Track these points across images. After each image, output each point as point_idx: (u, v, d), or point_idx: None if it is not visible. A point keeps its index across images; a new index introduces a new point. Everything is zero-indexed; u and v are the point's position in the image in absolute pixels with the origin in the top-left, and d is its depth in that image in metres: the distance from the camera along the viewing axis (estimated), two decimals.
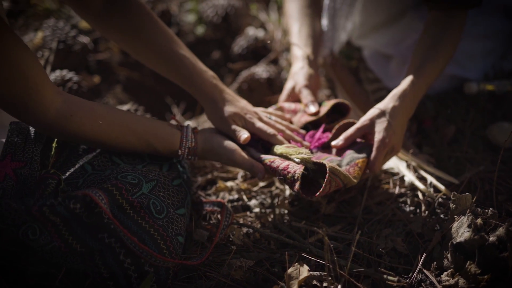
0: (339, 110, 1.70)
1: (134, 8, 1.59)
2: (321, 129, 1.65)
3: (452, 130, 1.87)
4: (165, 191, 1.44)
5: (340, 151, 1.58)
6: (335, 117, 1.68)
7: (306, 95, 1.73)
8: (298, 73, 1.80)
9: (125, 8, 1.58)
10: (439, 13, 1.66)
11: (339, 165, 1.50)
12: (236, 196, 1.69)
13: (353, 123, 1.59)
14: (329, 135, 1.62)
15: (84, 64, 2.32)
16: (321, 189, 1.38)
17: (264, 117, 1.63)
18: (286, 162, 1.47)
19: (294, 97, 1.78)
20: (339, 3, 1.97)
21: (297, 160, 1.47)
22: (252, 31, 2.43)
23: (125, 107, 1.94)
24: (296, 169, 1.43)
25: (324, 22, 1.98)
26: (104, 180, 1.38)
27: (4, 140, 1.42)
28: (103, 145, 1.47)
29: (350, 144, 1.58)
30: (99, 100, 2.13)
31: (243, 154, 1.51)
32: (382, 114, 1.56)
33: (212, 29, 2.57)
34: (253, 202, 1.66)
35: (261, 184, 1.74)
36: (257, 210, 1.63)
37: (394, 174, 1.71)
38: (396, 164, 1.72)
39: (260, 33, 2.42)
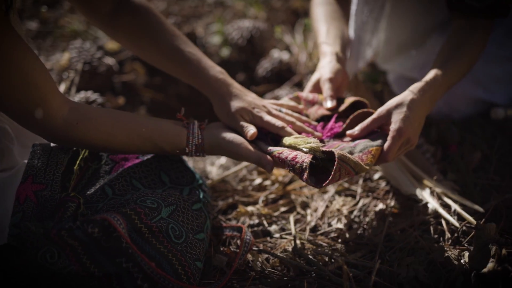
0: (357, 107, 1.65)
1: (142, 10, 1.62)
2: (333, 119, 1.63)
3: (478, 156, 1.83)
4: (184, 216, 1.43)
5: (354, 140, 1.56)
6: (352, 112, 1.64)
7: (327, 89, 1.69)
8: (324, 66, 1.76)
9: (133, 10, 1.61)
10: (465, 22, 1.67)
11: (351, 152, 1.47)
12: (256, 221, 1.67)
13: (369, 113, 1.58)
14: (342, 124, 1.60)
15: (109, 85, 2.35)
16: (330, 177, 1.35)
17: (274, 110, 1.61)
18: (295, 153, 1.44)
19: (318, 90, 1.76)
20: (366, 16, 1.95)
21: (305, 149, 1.45)
22: (276, 54, 2.43)
23: None
24: (304, 158, 1.40)
25: (351, 33, 1.96)
26: (123, 205, 1.38)
27: (26, 161, 1.44)
28: (110, 150, 1.49)
29: (365, 135, 1.56)
30: None
31: (250, 147, 1.49)
32: (400, 105, 1.54)
33: (237, 51, 2.57)
34: (273, 228, 1.65)
35: (282, 209, 1.72)
36: (277, 235, 1.62)
37: (417, 201, 1.68)
38: (419, 191, 1.69)
39: (285, 56, 2.42)
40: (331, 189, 1.76)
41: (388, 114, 1.53)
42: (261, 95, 2.26)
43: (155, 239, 1.35)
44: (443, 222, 1.58)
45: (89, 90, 2.14)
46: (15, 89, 1.27)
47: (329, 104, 1.66)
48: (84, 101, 1.99)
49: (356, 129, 1.55)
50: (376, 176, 1.80)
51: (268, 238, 1.61)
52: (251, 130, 1.52)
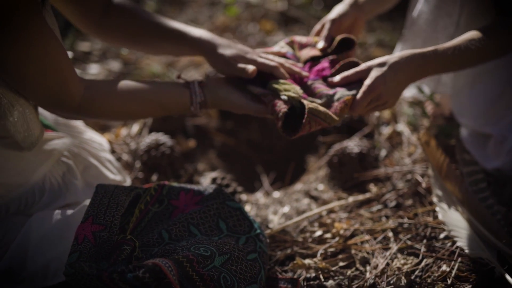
0: (346, 44, 1.74)
1: (125, 4, 1.75)
2: (324, 62, 1.72)
3: None
4: (238, 265, 1.43)
5: (334, 86, 1.65)
6: (342, 49, 1.74)
7: (325, 29, 1.81)
8: (334, 10, 1.86)
9: (119, 6, 1.74)
10: (505, 18, 1.66)
11: (331, 100, 1.60)
12: (313, 275, 1.64)
13: (355, 63, 1.66)
14: (329, 69, 1.70)
15: (182, 127, 2.39)
16: (300, 129, 1.51)
17: (263, 54, 1.73)
18: (276, 100, 1.57)
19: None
20: (441, 30, 1.93)
21: (284, 97, 1.57)
22: None
23: (212, 174, 1.98)
24: (282, 108, 1.54)
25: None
26: (177, 251, 1.39)
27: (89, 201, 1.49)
28: (125, 118, 1.71)
29: (345, 84, 1.64)
30: (192, 165, 2.18)
31: (248, 99, 1.64)
32: (381, 64, 1.61)
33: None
34: (330, 283, 1.61)
35: (341, 263, 1.68)
36: None
37: (483, 265, 1.60)
38: (487, 254, 1.61)
39: None
40: (394, 246, 1.71)
41: (368, 69, 1.61)
42: (329, 146, 2.24)
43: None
44: None
45: (162, 131, 2.20)
46: (42, 73, 1.37)
47: (320, 44, 1.78)
48: (154, 143, 2.04)
49: (337, 78, 1.65)
50: (442, 235, 1.74)
51: None
52: (250, 67, 1.63)
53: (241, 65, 1.65)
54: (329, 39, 1.79)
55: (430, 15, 1.97)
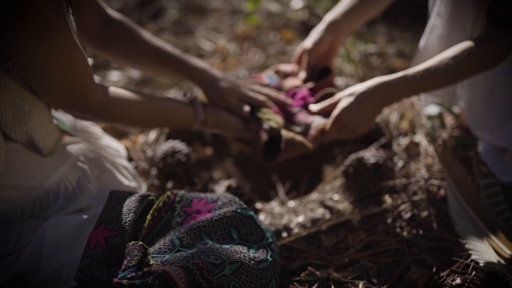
0: (325, 71, 2.01)
1: (122, 23, 1.84)
2: (304, 90, 1.96)
3: None
4: (248, 274, 1.42)
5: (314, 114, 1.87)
6: (322, 76, 2.00)
7: (303, 61, 2.03)
8: (310, 36, 2.02)
9: (116, 24, 1.82)
10: (490, 28, 1.69)
11: (308, 128, 1.81)
12: (325, 285, 1.63)
13: (333, 94, 1.89)
14: (310, 96, 1.94)
15: (199, 135, 2.40)
16: (278, 156, 1.76)
17: (253, 87, 1.94)
18: (260, 128, 1.82)
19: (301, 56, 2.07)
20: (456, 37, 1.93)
21: (266, 126, 1.81)
22: None
23: (227, 182, 1.98)
24: (263, 136, 1.80)
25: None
26: (188, 258, 1.39)
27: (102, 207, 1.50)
28: (134, 126, 1.81)
29: (322, 113, 1.85)
30: (207, 172, 2.18)
31: (244, 124, 1.87)
32: (349, 95, 1.76)
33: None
34: None
35: (353, 275, 1.67)
36: None
37: (499, 279, 1.57)
38: (502, 267, 1.59)
39: None
40: (408, 258, 1.69)
41: (338, 100, 1.79)
42: (346, 155, 2.23)
43: None
44: None
45: (178, 139, 2.21)
46: (64, 76, 1.43)
47: (302, 75, 2.02)
48: (170, 150, 2.05)
49: (315, 108, 1.88)
50: (457, 248, 1.72)
51: None
52: (246, 108, 1.86)
53: (237, 103, 1.86)
54: (309, 69, 2.01)
55: (443, 30, 1.96)
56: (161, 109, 1.74)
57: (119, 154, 1.89)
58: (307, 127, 1.81)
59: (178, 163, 2.03)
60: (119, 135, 2.39)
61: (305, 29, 3.32)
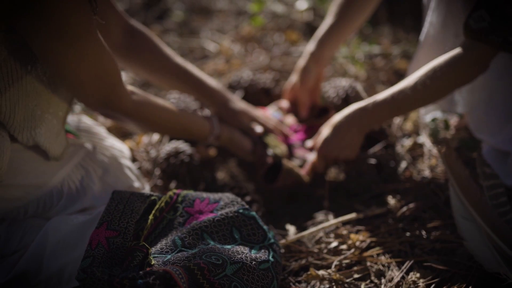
0: (324, 110, 2.24)
1: (146, 36, 1.93)
2: (304, 126, 2.21)
3: None
4: (249, 275, 1.42)
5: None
6: (321, 114, 2.23)
7: (300, 101, 2.23)
8: (297, 72, 2.21)
9: (140, 38, 1.91)
10: (466, 41, 1.67)
11: (304, 161, 2.04)
12: (327, 286, 1.63)
13: None
14: (309, 132, 2.17)
15: None
16: (276, 182, 1.94)
17: (261, 114, 2.11)
18: (265, 152, 2.02)
19: (294, 93, 2.26)
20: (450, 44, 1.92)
21: (270, 153, 2.00)
22: None
23: (230, 183, 1.99)
24: (267, 161, 2.00)
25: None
26: (189, 259, 1.39)
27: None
28: (158, 130, 1.96)
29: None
30: (211, 173, 2.19)
31: (252, 146, 2.05)
32: (328, 126, 1.92)
33: (332, 109, 2.56)
34: None
35: (355, 275, 1.67)
36: None
37: (501, 280, 1.57)
38: (505, 269, 1.58)
39: None
40: (410, 260, 1.69)
41: (320, 132, 1.97)
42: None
43: None
44: None
45: (181, 140, 2.21)
46: (96, 78, 1.48)
47: (302, 114, 2.23)
48: (173, 151, 2.06)
49: (310, 144, 2.05)
50: (460, 250, 1.71)
51: None
52: (259, 128, 2.04)
53: (249, 124, 2.04)
54: (308, 109, 2.23)
55: (437, 35, 1.96)
56: (184, 117, 1.88)
57: (123, 155, 1.90)
58: (303, 162, 2.05)
59: (182, 163, 2.04)
60: (123, 136, 2.40)
61: (310, 30, 3.32)
